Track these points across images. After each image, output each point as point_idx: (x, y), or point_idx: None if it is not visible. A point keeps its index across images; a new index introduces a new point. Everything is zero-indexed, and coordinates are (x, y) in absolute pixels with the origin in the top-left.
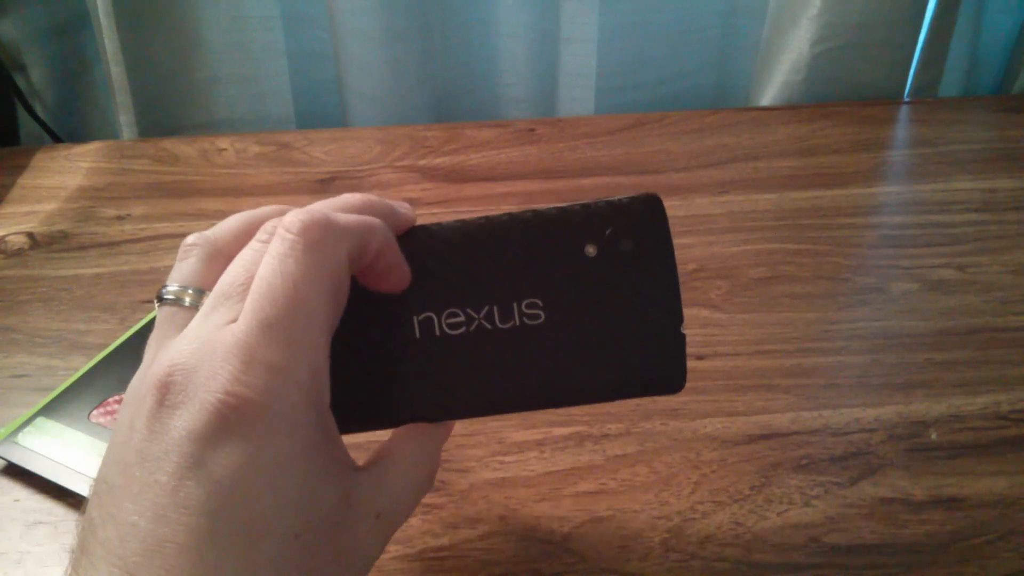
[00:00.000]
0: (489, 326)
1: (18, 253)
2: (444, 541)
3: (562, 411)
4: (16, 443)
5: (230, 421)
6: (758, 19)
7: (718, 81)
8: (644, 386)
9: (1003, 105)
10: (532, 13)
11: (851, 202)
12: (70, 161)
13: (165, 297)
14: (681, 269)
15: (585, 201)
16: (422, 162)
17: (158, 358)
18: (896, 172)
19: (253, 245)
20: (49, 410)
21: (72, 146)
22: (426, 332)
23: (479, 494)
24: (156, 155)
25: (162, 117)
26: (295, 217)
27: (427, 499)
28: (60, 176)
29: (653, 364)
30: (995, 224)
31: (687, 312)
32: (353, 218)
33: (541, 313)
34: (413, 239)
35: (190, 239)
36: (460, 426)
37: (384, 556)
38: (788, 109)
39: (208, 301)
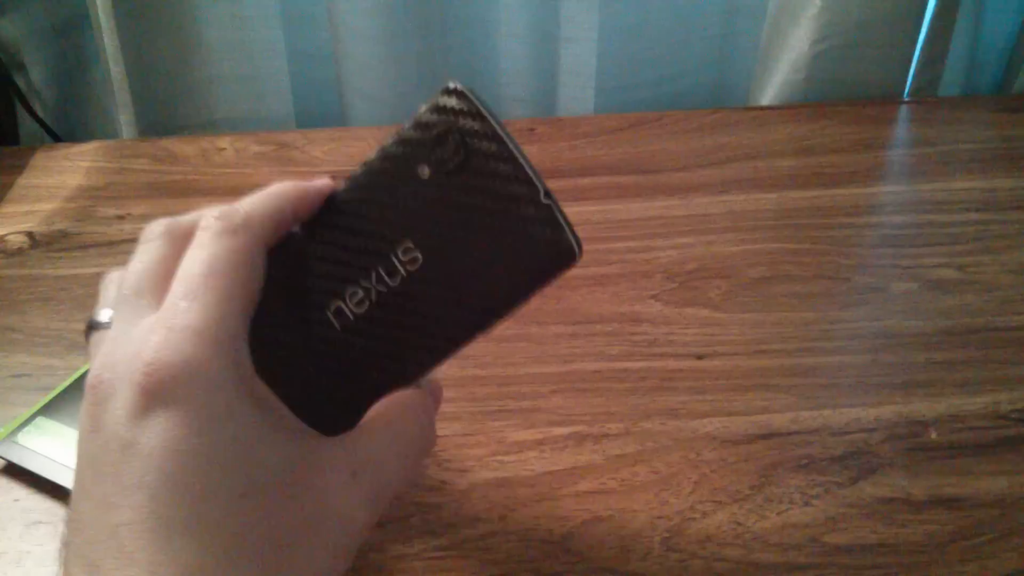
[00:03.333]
0: (384, 289)
1: (18, 253)
2: (444, 541)
3: (562, 411)
4: (16, 443)
5: (154, 393)
6: (758, 19)
7: (718, 81)
8: (542, 270)
9: (1003, 105)
10: (532, 13)
11: (851, 202)
12: (70, 160)
13: (99, 322)
14: (681, 268)
15: (399, 129)
16: None
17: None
18: (896, 172)
19: (142, 246)
20: (49, 410)
21: (72, 145)
22: (343, 321)
23: (479, 494)
24: (156, 154)
25: (162, 116)
26: (207, 215)
27: (427, 499)
28: (60, 176)
29: (539, 244)
30: (995, 224)
31: (688, 312)
32: (262, 206)
33: (418, 255)
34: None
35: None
36: (459, 426)
37: (384, 556)
38: (788, 109)
39: (117, 302)
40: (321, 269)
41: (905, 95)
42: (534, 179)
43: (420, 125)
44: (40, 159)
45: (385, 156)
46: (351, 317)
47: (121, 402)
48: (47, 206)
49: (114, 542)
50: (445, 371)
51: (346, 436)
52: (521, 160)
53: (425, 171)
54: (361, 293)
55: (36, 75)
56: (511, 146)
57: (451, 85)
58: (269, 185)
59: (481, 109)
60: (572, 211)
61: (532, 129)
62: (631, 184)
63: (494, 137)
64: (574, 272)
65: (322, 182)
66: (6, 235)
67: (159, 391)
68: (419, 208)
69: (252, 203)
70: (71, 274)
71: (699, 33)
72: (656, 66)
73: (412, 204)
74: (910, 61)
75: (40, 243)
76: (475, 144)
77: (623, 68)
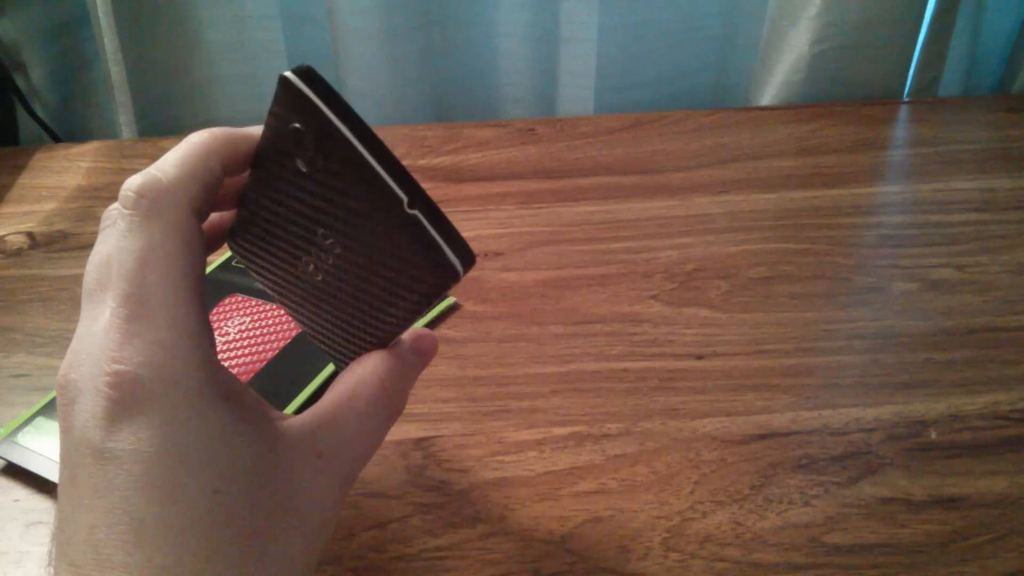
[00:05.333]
0: (327, 265)
1: (18, 253)
2: (444, 541)
3: (562, 411)
4: (16, 443)
5: (118, 400)
6: (758, 19)
7: (718, 81)
8: (425, 282)
9: (1003, 105)
10: (532, 13)
11: (851, 202)
12: (69, 161)
13: None
14: (681, 268)
15: (270, 109)
16: (421, 162)
17: None
18: (896, 172)
19: (101, 234)
20: (49, 410)
21: (71, 146)
22: (313, 280)
23: (479, 494)
24: (156, 155)
25: (162, 117)
26: (127, 191)
27: (427, 499)
28: (59, 176)
29: (415, 257)
30: (995, 224)
31: (688, 312)
32: (187, 168)
33: (334, 242)
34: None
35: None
36: (459, 426)
37: (384, 556)
38: (788, 109)
39: (83, 296)
40: (280, 232)
41: (905, 95)
42: (394, 187)
43: (276, 116)
44: (40, 159)
45: (268, 141)
46: (317, 279)
47: (88, 406)
48: (47, 206)
49: (90, 544)
50: (445, 371)
51: (310, 416)
52: (375, 165)
53: (302, 165)
54: (312, 265)
55: (36, 75)
56: (361, 149)
57: (285, 77)
58: (191, 136)
59: (321, 108)
60: (572, 211)
61: (532, 129)
62: (631, 184)
63: (341, 139)
64: (574, 272)
65: (255, 128)
66: (6, 235)
67: (123, 398)
68: (313, 199)
69: (175, 166)
70: (71, 274)
71: (699, 33)
72: (656, 66)
73: (305, 194)
74: (910, 61)
75: (40, 243)
76: (328, 145)
77: (623, 68)
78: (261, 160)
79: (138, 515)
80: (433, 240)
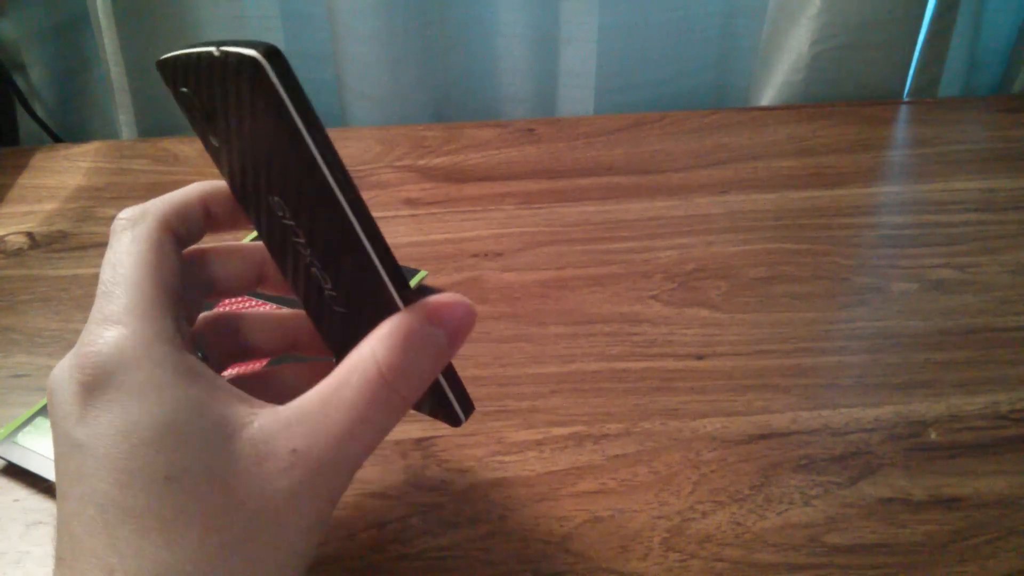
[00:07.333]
0: (307, 251)
1: (18, 253)
2: (444, 541)
3: (561, 411)
4: (16, 443)
5: (85, 384)
6: (758, 19)
7: (718, 81)
8: (263, 93)
9: (1003, 105)
10: (532, 13)
11: (851, 202)
12: (69, 161)
13: None
14: (681, 269)
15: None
16: (421, 162)
17: None
18: (895, 172)
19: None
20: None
21: (71, 146)
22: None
23: (479, 494)
24: (155, 155)
25: (162, 117)
26: (115, 219)
27: (427, 499)
28: (59, 176)
29: (241, 80)
30: (995, 224)
31: (688, 312)
32: (167, 198)
33: (279, 200)
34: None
35: None
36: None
37: (384, 556)
38: (788, 109)
39: None
40: (279, 255)
41: (905, 95)
42: (199, 47)
43: (180, 105)
44: (40, 159)
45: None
46: (334, 302)
47: (65, 395)
48: (47, 206)
49: (68, 533)
50: None
51: (290, 409)
52: (186, 50)
53: (213, 140)
54: (311, 265)
55: (36, 75)
56: (187, 49)
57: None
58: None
59: (174, 55)
60: (572, 211)
61: (532, 130)
62: (631, 184)
63: (180, 61)
64: (574, 272)
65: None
66: (6, 235)
67: (88, 380)
68: (245, 163)
69: (158, 197)
70: (71, 274)
71: (699, 33)
72: (656, 66)
73: (241, 166)
74: (910, 61)
75: (40, 243)
76: (189, 88)
77: (623, 68)
78: (233, 191)
79: (102, 500)
80: (227, 52)
